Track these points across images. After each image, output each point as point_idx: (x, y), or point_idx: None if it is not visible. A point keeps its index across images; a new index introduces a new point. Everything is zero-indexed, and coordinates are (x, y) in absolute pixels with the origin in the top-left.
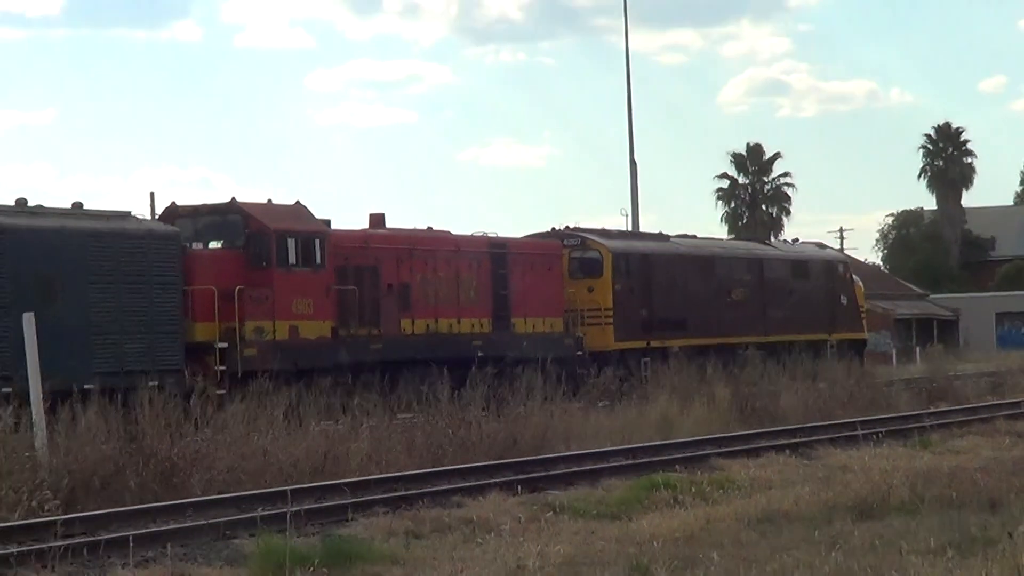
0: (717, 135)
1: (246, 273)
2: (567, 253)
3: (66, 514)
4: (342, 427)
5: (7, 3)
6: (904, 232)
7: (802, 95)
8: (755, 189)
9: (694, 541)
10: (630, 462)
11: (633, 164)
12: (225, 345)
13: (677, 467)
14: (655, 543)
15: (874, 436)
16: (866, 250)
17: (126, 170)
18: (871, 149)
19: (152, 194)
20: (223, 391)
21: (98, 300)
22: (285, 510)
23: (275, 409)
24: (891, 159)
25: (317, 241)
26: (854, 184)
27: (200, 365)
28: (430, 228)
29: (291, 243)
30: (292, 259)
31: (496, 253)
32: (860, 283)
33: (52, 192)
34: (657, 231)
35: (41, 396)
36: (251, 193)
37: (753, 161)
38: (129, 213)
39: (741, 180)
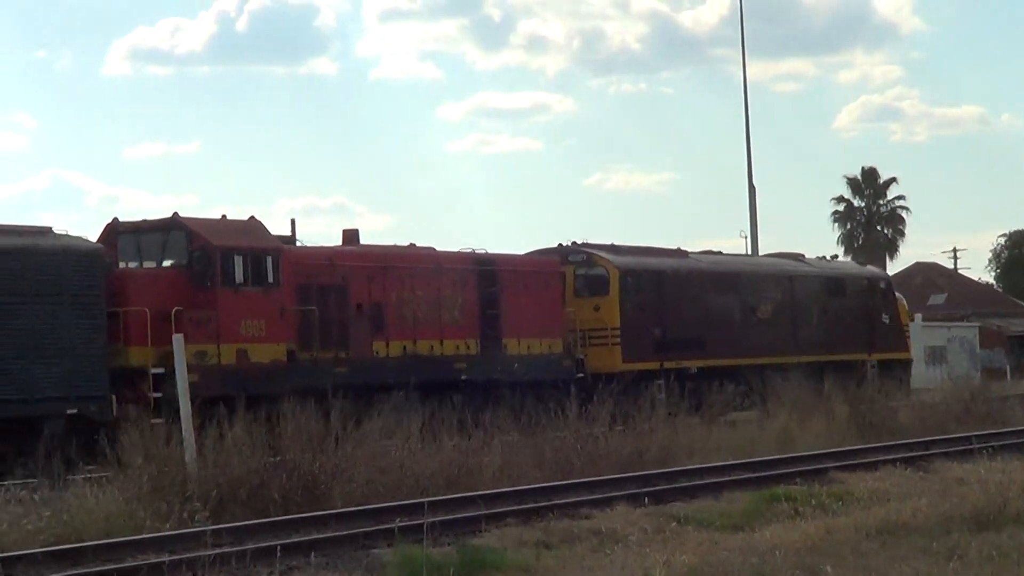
0: (832, 160)
1: (189, 293)
2: (572, 270)
3: (215, 524)
4: (475, 442)
5: (155, 42)
6: (1017, 251)
7: (914, 120)
8: (870, 211)
9: (815, 551)
10: (751, 475)
11: (752, 188)
12: (162, 370)
13: (797, 480)
14: (777, 553)
15: (989, 449)
16: (979, 269)
17: (267, 199)
18: (983, 171)
19: (293, 221)
20: (159, 420)
21: (2, 322)
22: (422, 521)
23: (411, 424)
24: (1003, 181)
25: (269, 259)
26: (967, 205)
27: (134, 392)
28: (412, 245)
29: (238, 261)
30: (240, 278)
31: (484, 271)
32: (904, 301)
33: None
34: (675, 247)
35: (191, 413)
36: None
37: (868, 184)
38: (49, 229)
39: (856, 203)
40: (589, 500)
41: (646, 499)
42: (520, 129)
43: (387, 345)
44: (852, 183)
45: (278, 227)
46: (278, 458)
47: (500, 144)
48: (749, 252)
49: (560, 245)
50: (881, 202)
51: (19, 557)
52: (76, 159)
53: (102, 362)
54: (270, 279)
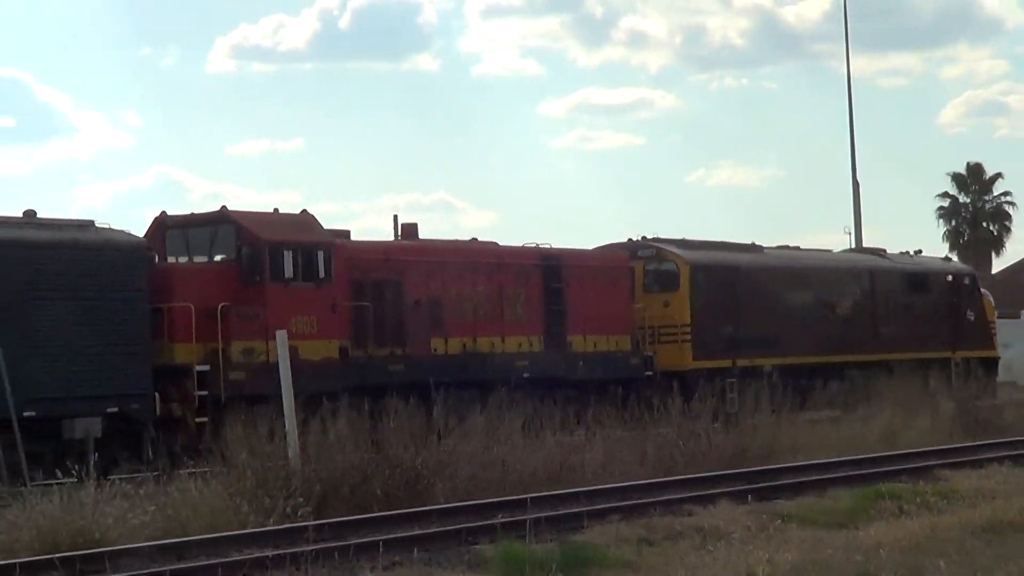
0: (937, 155)
1: (237, 289)
2: (641, 265)
3: (317, 520)
4: (577, 438)
5: (259, 39)
6: None
7: (1020, 115)
8: (976, 207)
9: (919, 550)
10: (855, 473)
11: (855, 184)
12: (207, 368)
13: (901, 478)
14: (881, 551)
15: None
16: None
17: (370, 195)
18: None
19: (396, 217)
20: (203, 419)
21: (40, 318)
22: (524, 517)
23: (513, 421)
24: None
25: (320, 253)
26: None
27: (178, 390)
28: (474, 239)
29: (288, 255)
30: (289, 273)
31: (549, 266)
32: (990, 298)
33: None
34: (750, 241)
35: (294, 409)
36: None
37: (973, 180)
38: (91, 223)
39: (962, 199)
40: (692, 497)
41: (749, 496)
42: (622, 125)
43: (445, 342)
44: (957, 179)
45: (381, 224)
46: (380, 454)
47: (602, 140)
48: (853, 247)
49: (629, 240)
50: (987, 198)
51: (125, 551)
52: (181, 156)
53: (144, 359)
54: (321, 274)
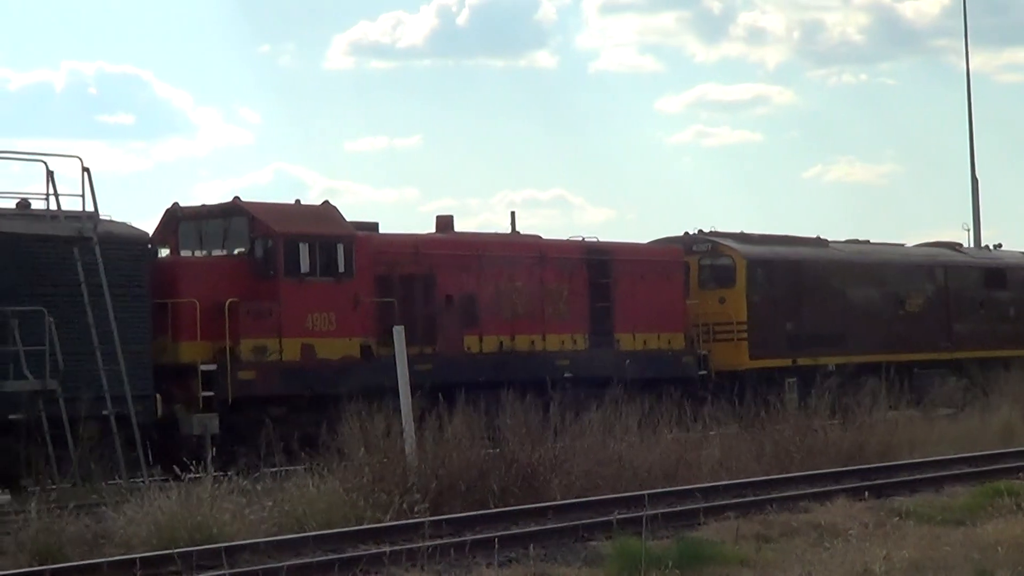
0: None
1: (249, 284)
2: (696, 260)
3: (434, 516)
4: (693, 435)
5: (377, 36)
6: None
7: None
8: None
9: None
10: (973, 469)
11: (974, 180)
12: (213, 367)
13: (1020, 475)
14: (999, 549)
15: None
16: None
17: (487, 191)
18: None
19: (513, 213)
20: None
21: (26, 313)
22: (641, 514)
23: (630, 418)
24: None
25: (340, 246)
26: None
27: (184, 391)
28: (516, 232)
29: (304, 249)
30: (306, 267)
31: (596, 260)
32: None
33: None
34: (815, 235)
35: (411, 406)
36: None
37: None
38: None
39: None
40: (808, 494)
41: (866, 493)
42: (740, 121)
43: (480, 340)
44: None
45: (497, 220)
46: (497, 450)
47: (720, 136)
48: (972, 245)
49: (686, 233)
50: None
51: (243, 547)
52: (299, 153)
53: (146, 359)
54: (341, 268)
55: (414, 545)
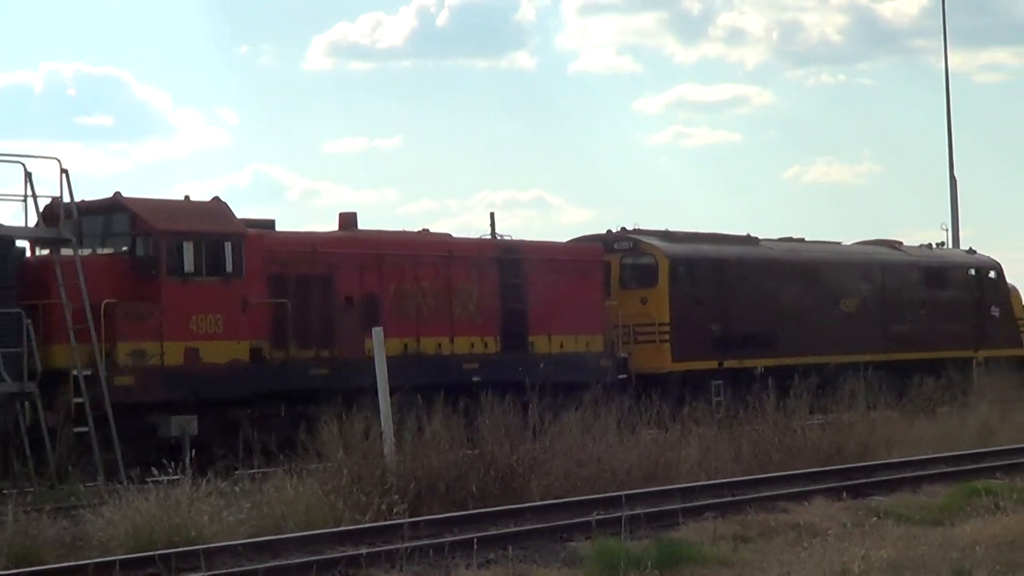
0: None
1: (128, 284)
2: (618, 259)
3: (413, 517)
4: (672, 435)
5: (356, 37)
6: None
7: None
8: None
9: (1016, 546)
10: (951, 469)
11: (953, 180)
12: (88, 372)
13: (998, 474)
14: (977, 548)
15: None
16: None
17: (467, 192)
18: None
19: (492, 214)
20: (83, 429)
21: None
22: (620, 514)
23: (608, 418)
24: None
25: (228, 245)
26: None
27: (55, 398)
28: (425, 230)
29: (188, 247)
30: (190, 267)
31: (509, 259)
32: (1019, 292)
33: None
34: (745, 233)
35: (390, 407)
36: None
37: None
38: None
39: None
40: (787, 494)
41: (844, 493)
42: (719, 122)
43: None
44: None
45: (477, 221)
46: (476, 452)
47: (699, 137)
48: (949, 245)
49: (608, 231)
50: None
51: (222, 548)
52: (278, 154)
53: (17, 362)
54: (229, 268)
55: (393, 546)
